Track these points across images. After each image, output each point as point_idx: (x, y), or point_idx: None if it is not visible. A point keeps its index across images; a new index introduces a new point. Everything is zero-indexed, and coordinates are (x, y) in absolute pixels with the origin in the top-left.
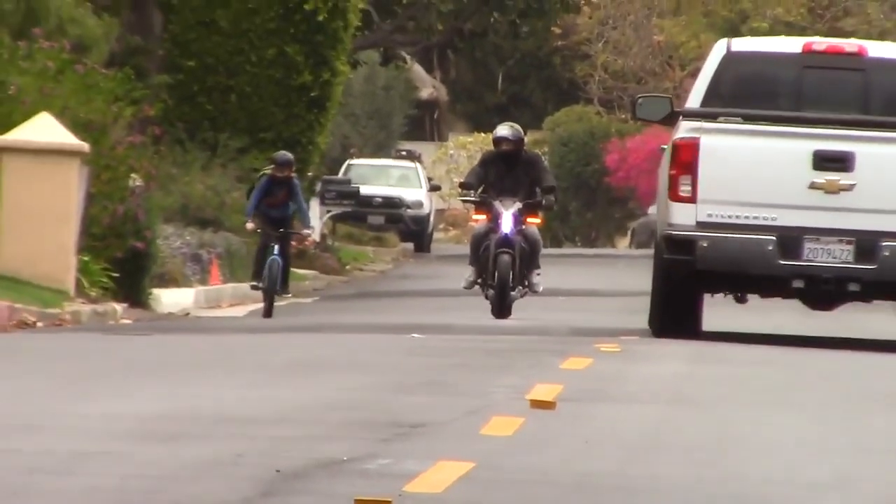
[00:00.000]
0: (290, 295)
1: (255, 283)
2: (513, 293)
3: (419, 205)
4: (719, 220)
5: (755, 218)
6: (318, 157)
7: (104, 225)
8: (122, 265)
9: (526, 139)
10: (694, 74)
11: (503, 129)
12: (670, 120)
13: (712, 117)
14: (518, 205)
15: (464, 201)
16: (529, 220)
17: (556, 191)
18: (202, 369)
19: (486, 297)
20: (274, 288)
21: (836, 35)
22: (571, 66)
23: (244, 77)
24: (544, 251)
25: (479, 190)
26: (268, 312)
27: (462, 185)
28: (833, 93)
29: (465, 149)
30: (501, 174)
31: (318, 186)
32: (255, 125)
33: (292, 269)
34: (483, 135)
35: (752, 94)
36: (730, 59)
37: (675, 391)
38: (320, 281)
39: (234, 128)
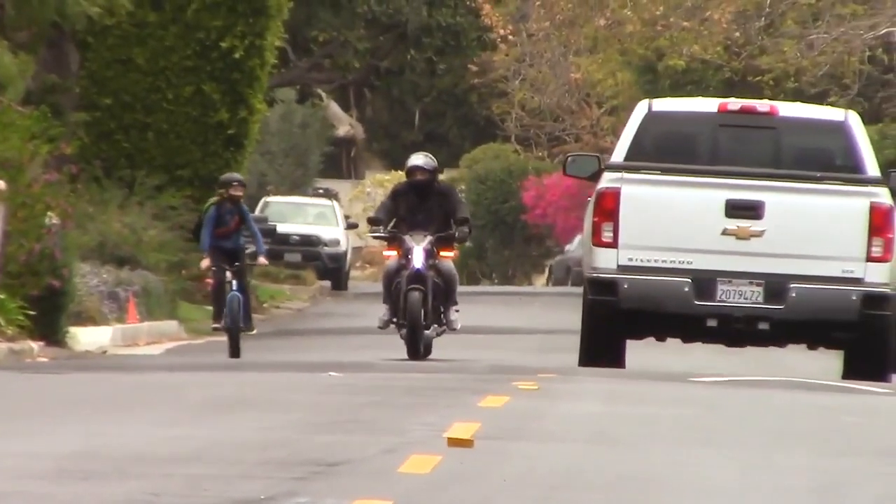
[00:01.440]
0: (254, 332)
1: (216, 325)
2: (428, 332)
3: (336, 242)
4: (639, 263)
5: (672, 262)
6: None
7: (20, 263)
8: (38, 303)
9: (440, 173)
10: (611, 112)
11: (417, 158)
12: (598, 177)
13: (633, 170)
14: (430, 238)
15: (374, 237)
16: (443, 254)
17: (470, 223)
18: (119, 408)
19: (402, 337)
20: (237, 326)
21: (752, 72)
22: (488, 104)
23: (161, 114)
24: (461, 289)
25: (391, 224)
26: (234, 352)
27: (370, 221)
28: (746, 148)
29: (383, 186)
30: (413, 207)
31: None
32: (172, 162)
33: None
34: (400, 172)
35: (671, 150)
36: (651, 118)
37: (594, 430)
38: None
39: (151, 165)
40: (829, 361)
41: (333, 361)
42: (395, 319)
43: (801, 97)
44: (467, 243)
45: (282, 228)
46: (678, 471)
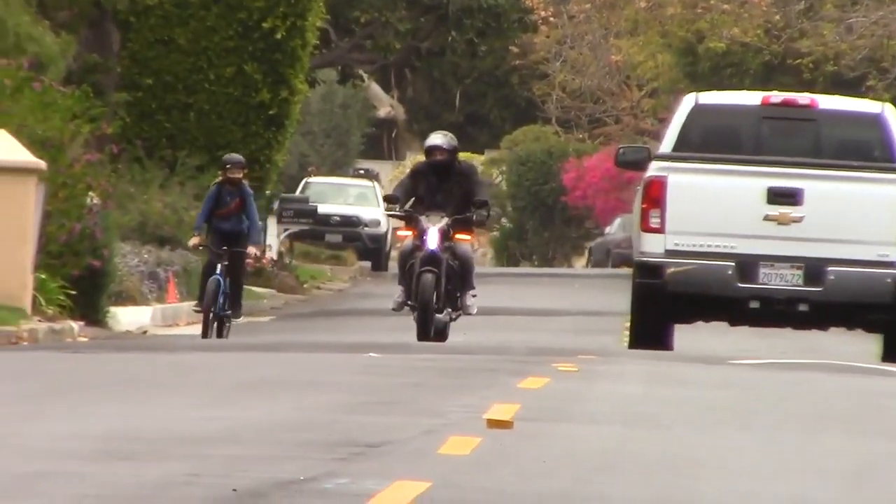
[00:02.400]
0: (240, 319)
1: (197, 307)
2: (440, 315)
3: (377, 223)
4: (685, 248)
5: (717, 246)
6: (276, 175)
7: (61, 243)
8: (79, 283)
9: (480, 159)
10: (651, 94)
11: (436, 138)
12: (647, 166)
13: (679, 159)
14: (446, 220)
15: (389, 215)
16: (459, 236)
17: (489, 206)
18: (158, 388)
19: (415, 320)
20: (210, 308)
21: (791, 55)
22: (529, 86)
23: (202, 95)
24: (503, 270)
25: (409, 204)
26: (205, 333)
27: (387, 199)
28: (787, 139)
29: None
30: (432, 187)
31: (276, 204)
32: (213, 143)
33: (250, 287)
34: None
35: (716, 141)
36: (697, 110)
37: (633, 412)
38: (278, 299)
39: (192, 145)
40: (869, 345)
41: (373, 342)
42: (409, 301)
43: (840, 81)
44: (507, 224)
45: (322, 209)
46: (715, 453)
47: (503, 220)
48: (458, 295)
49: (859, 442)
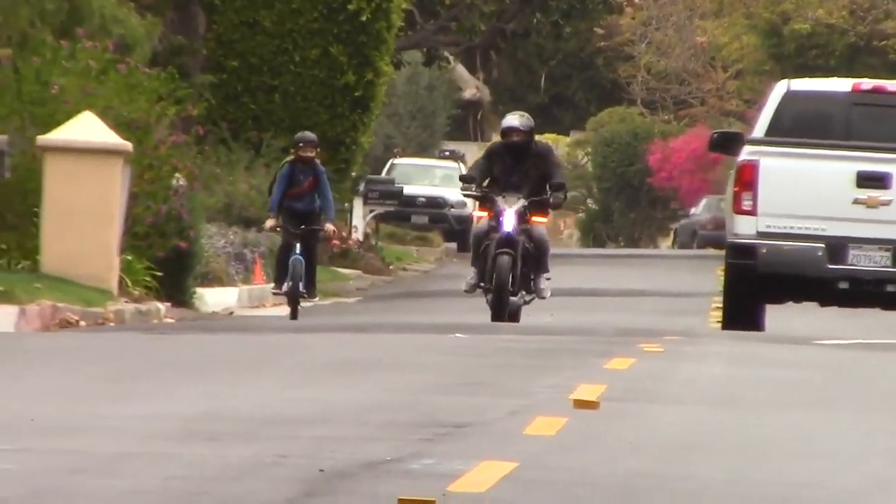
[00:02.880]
0: (316, 299)
1: (276, 290)
2: (514, 298)
3: (462, 204)
4: (777, 230)
5: (807, 228)
6: (362, 157)
7: (147, 224)
8: (165, 264)
9: (565, 140)
10: (736, 76)
11: (512, 119)
12: (739, 150)
13: (771, 144)
14: (522, 202)
15: (465, 195)
16: (535, 218)
17: (566, 188)
18: (245, 369)
19: (488, 302)
20: (297, 292)
21: (877, 37)
22: (614, 67)
23: (288, 77)
24: (589, 252)
25: (484, 184)
26: (294, 315)
27: (462, 178)
28: (877, 125)
29: None
30: (508, 168)
31: (362, 186)
32: (298, 124)
33: (336, 268)
34: None
35: (808, 126)
36: (789, 97)
37: (718, 393)
38: (364, 281)
39: (277, 127)
40: None
41: (459, 323)
42: (482, 283)
43: None
44: (593, 206)
45: (408, 190)
46: (800, 434)
47: (589, 201)
48: (533, 278)
49: None
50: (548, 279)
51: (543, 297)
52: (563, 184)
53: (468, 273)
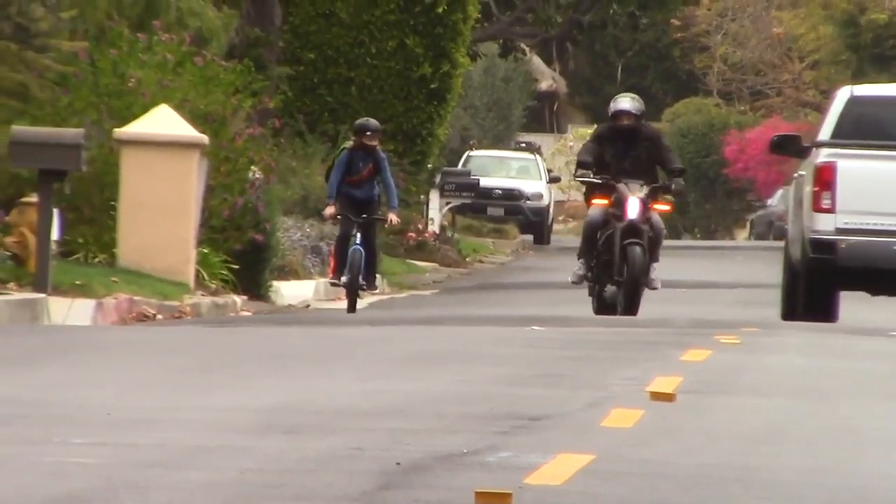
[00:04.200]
0: (376, 290)
1: (334, 281)
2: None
3: (539, 196)
4: (854, 226)
5: (883, 224)
6: (438, 149)
7: (224, 217)
8: (241, 257)
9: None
10: (813, 66)
11: (624, 102)
12: (800, 153)
13: (846, 146)
14: (646, 189)
15: (582, 181)
16: (657, 206)
17: (685, 172)
18: (321, 362)
19: (593, 294)
20: (356, 283)
21: None
22: (690, 58)
23: (364, 69)
24: (666, 243)
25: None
26: (352, 307)
27: (580, 164)
28: None
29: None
30: (620, 153)
31: (438, 178)
32: (375, 117)
33: (413, 261)
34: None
35: (871, 131)
36: (852, 102)
37: (796, 384)
38: (440, 273)
39: (354, 119)
40: None
41: (536, 315)
42: (589, 274)
43: None
44: (668, 197)
45: (484, 182)
46: (879, 425)
47: None
48: (646, 267)
49: None
50: (655, 269)
51: (655, 288)
52: (683, 169)
53: (544, 265)
